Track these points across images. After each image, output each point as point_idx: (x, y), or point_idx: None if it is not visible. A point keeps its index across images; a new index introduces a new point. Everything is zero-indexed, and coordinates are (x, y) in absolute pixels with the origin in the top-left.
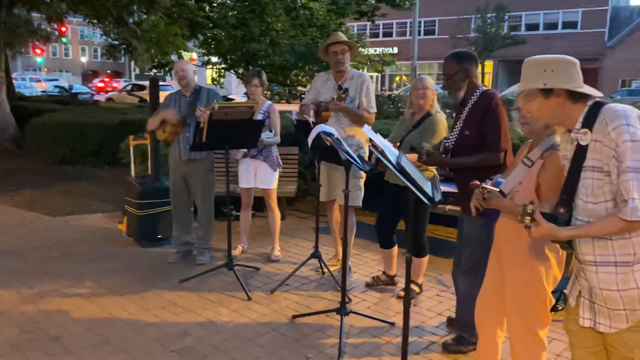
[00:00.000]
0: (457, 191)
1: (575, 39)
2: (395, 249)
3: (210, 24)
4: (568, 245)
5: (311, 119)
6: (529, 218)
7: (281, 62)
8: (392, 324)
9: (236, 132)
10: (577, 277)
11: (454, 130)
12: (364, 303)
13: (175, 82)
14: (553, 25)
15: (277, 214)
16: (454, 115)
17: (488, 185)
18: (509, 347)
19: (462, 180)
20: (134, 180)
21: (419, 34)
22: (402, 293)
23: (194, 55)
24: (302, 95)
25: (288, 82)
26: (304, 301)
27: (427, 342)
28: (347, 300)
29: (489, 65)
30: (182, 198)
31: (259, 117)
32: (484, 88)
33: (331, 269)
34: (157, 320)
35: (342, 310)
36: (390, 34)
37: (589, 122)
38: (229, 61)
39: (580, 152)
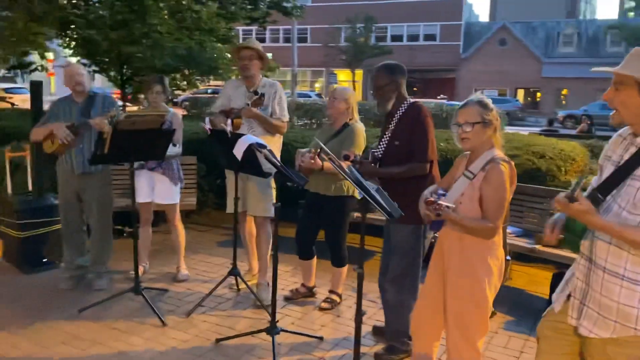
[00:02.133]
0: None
1: (435, 50)
2: (314, 260)
3: (86, 24)
4: (575, 246)
5: (228, 128)
6: (578, 192)
7: (161, 66)
8: (321, 338)
9: (143, 143)
10: (569, 280)
11: (382, 140)
12: (288, 318)
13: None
14: (415, 37)
15: (181, 230)
16: (383, 125)
17: (431, 197)
18: (447, 356)
19: (390, 189)
20: (11, 197)
21: (278, 41)
22: (324, 305)
23: (52, 56)
24: (178, 100)
25: None
26: (224, 322)
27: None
28: (271, 316)
29: (358, 74)
30: (74, 216)
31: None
32: (412, 100)
33: (241, 285)
34: (60, 358)
35: (273, 329)
36: (263, 40)
37: None
38: (100, 64)
39: (637, 160)
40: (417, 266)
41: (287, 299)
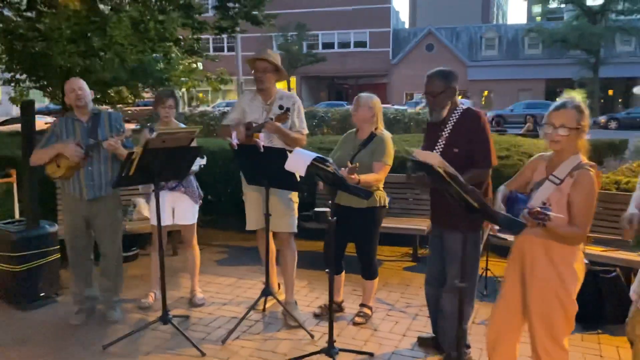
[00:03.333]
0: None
1: (366, 57)
2: (343, 274)
3: (40, 37)
4: None
5: (262, 142)
6: None
7: (110, 79)
8: (371, 354)
9: (170, 161)
10: None
11: (436, 147)
12: (327, 337)
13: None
14: (346, 44)
15: (197, 251)
16: (428, 132)
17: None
18: (533, 356)
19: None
20: (4, 226)
21: (223, 50)
22: (358, 319)
23: None
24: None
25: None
26: (264, 346)
27: None
28: (311, 336)
29: (293, 81)
30: (84, 244)
31: None
32: (463, 106)
33: (269, 304)
34: None
35: (331, 349)
36: (208, 49)
37: None
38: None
39: None
40: (475, 274)
41: (317, 316)
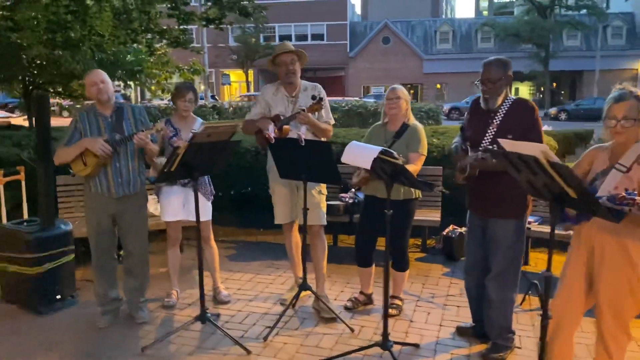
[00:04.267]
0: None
1: (324, 49)
2: (373, 266)
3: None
4: None
5: (303, 136)
6: None
7: (80, 72)
8: (417, 345)
9: (211, 156)
10: None
11: (487, 135)
12: (366, 330)
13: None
14: (304, 37)
15: (215, 248)
16: (474, 120)
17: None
18: (598, 344)
19: (496, 184)
20: (17, 227)
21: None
22: (392, 311)
23: None
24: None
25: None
26: (307, 341)
27: (460, 356)
28: (351, 330)
29: (250, 74)
30: (109, 244)
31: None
32: (513, 96)
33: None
34: None
35: (386, 342)
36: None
37: None
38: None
39: None
40: (520, 261)
41: (348, 309)
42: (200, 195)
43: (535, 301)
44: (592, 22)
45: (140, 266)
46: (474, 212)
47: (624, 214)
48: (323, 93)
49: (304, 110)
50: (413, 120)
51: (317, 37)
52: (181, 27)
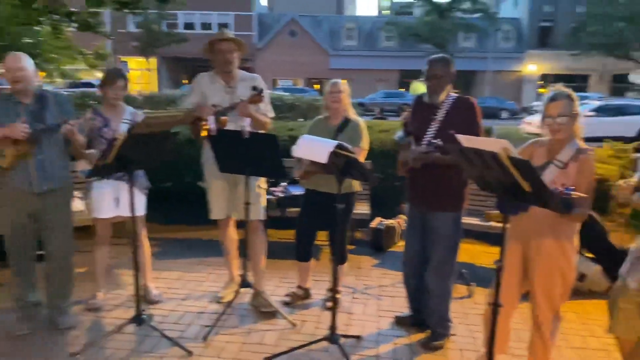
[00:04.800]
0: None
1: None
2: (312, 261)
3: None
4: None
5: (247, 128)
6: None
7: None
8: (360, 337)
9: (149, 147)
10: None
11: (429, 130)
12: (308, 324)
13: None
14: (209, 26)
15: (147, 245)
16: (419, 113)
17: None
18: (533, 327)
19: (436, 178)
20: None
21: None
22: (330, 304)
23: None
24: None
25: None
26: (250, 339)
27: (402, 345)
28: (293, 325)
29: (153, 62)
30: (28, 244)
31: (123, 126)
32: (455, 94)
33: (228, 297)
34: None
35: (333, 335)
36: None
37: None
38: None
39: None
40: (457, 252)
41: (287, 304)
42: (134, 189)
43: (462, 289)
44: (485, 25)
45: (64, 267)
46: (414, 205)
47: (572, 205)
48: (263, 84)
49: (243, 101)
50: (354, 115)
51: (223, 26)
52: (90, 9)
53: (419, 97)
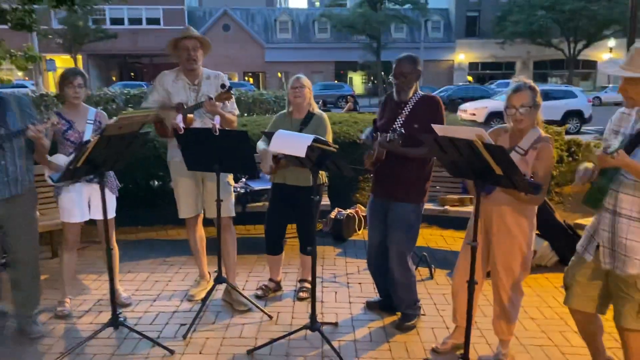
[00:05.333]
0: (387, 179)
1: (159, 34)
2: (283, 254)
3: None
4: (599, 202)
5: (217, 125)
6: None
7: None
8: (336, 324)
9: (119, 148)
10: (594, 233)
11: (397, 121)
12: (284, 315)
13: None
14: (138, 21)
15: (116, 247)
16: (387, 109)
17: None
18: (495, 302)
19: (398, 170)
20: None
21: None
22: (303, 294)
23: None
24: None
25: None
26: (229, 333)
27: (377, 328)
28: (269, 317)
29: (79, 59)
30: None
31: (88, 128)
32: (421, 92)
33: (200, 295)
34: None
35: (314, 324)
36: None
37: None
38: None
39: None
40: (415, 241)
41: (259, 297)
42: (106, 190)
43: (424, 272)
44: (415, 16)
45: (30, 275)
46: (377, 195)
47: (541, 187)
48: (227, 82)
49: (211, 98)
50: (317, 109)
51: (153, 21)
52: (25, 7)
53: (389, 95)
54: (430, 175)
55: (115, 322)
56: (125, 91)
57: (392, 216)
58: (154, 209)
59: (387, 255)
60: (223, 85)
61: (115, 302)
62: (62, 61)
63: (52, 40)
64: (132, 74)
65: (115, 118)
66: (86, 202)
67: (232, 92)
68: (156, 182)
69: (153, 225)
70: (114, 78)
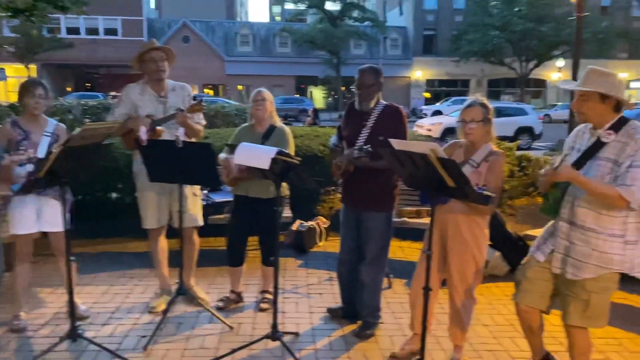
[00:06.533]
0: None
1: (118, 45)
2: (244, 265)
3: None
4: (555, 212)
5: (181, 137)
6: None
7: None
8: (297, 334)
9: (81, 160)
10: (549, 238)
11: (361, 136)
12: (245, 325)
13: None
14: (95, 31)
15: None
16: (351, 120)
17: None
18: (451, 309)
19: (369, 180)
20: None
21: None
22: (264, 305)
23: None
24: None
25: None
26: (189, 345)
27: (337, 338)
28: (230, 327)
29: (33, 69)
30: None
31: (44, 140)
32: (385, 102)
33: (161, 307)
34: None
35: (275, 333)
36: None
37: (615, 127)
38: None
39: (598, 145)
40: (388, 248)
41: (220, 309)
42: (57, 203)
43: (383, 281)
44: (374, 33)
45: None
46: (348, 206)
47: (490, 198)
48: (192, 93)
49: (182, 110)
50: (278, 122)
51: (111, 31)
52: None
53: (351, 104)
54: (398, 183)
55: (74, 334)
56: (83, 102)
57: (365, 226)
58: (113, 221)
59: (357, 263)
60: (194, 98)
61: (73, 314)
62: (14, 70)
63: (3, 48)
64: (88, 84)
65: (79, 129)
66: (36, 214)
67: (202, 104)
68: (114, 195)
69: (112, 237)
70: (68, 89)
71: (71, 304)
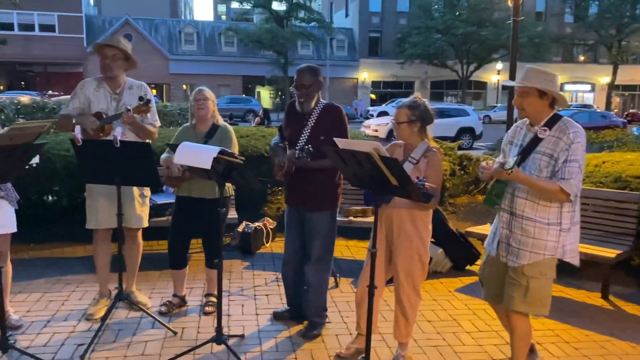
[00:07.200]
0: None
1: (55, 42)
2: (187, 268)
3: None
4: (496, 203)
5: (119, 137)
6: (509, 169)
7: None
8: (243, 336)
9: (9, 160)
10: (496, 231)
11: (302, 136)
12: (190, 330)
13: None
14: (30, 27)
15: (10, 266)
16: (292, 121)
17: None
18: (397, 307)
19: (311, 180)
20: None
21: None
22: (209, 309)
23: None
24: None
25: None
26: (130, 352)
27: (284, 339)
28: (174, 333)
29: None
30: None
31: None
32: (324, 101)
33: (100, 313)
34: None
35: (221, 337)
36: None
37: (549, 124)
38: None
39: (536, 141)
40: (333, 247)
41: (163, 314)
42: (5, 203)
43: (330, 281)
44: (321, 34)
45: None
46: (292, 206)
47: (431, 196)
48: (150, 94)
49: (129, 110)
50: (221, 121)
51: (47, 28)
52: None
53: (292, 104)
54: (341, 181)
55: (5, 345)
56: (16, 101)
57: (309, 225)
58: (49, 226)
59: (303, 263)
60: (141, 98)
61: (4, 324)
62: None
63: None
64: (23, 83)
65: (6, 128)
66: None
67: (149, 105)
68: (50, 197)
69: (48, 242)
70: (0, 87)
71: (1, 313)
